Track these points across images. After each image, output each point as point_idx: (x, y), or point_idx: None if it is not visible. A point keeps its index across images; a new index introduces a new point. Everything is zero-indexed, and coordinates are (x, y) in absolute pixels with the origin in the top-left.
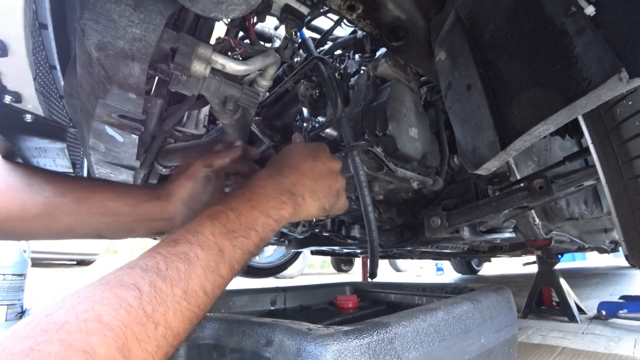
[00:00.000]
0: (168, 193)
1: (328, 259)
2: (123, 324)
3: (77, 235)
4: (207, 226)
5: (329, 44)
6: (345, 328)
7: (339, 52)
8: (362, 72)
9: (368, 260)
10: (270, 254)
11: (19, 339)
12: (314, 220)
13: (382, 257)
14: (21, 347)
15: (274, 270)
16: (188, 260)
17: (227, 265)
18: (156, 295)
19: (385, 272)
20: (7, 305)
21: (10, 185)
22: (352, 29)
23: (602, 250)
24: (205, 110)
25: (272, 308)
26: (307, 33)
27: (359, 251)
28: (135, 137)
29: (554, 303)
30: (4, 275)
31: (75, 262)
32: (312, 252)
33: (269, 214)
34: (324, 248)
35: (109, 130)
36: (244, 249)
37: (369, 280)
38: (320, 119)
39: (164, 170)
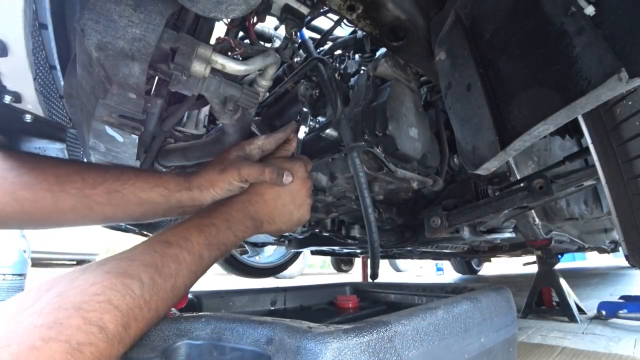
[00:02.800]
0: (200, 186)
1: (328, 259)
2: (128, 306)
3: (113, 221)
4: (194, 235)
5: (329, 44)
6: (345, 326)
7: (339, 52)
8: (362, 72)
9: (369, 261)
10: (270, 254)
11: (35, 314)
12: (312, 222)
13: (382, 257)
14: (44, 320)
15: (274, 270)
16: (178, 262)
17: (202, 269)
18: (153, 287)
19: (386, 272)
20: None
21: (40, 179)
22: (352, 29)
23: (602, 250)
24: (205, 110)
25: (272, 308)
26: (307, 33)
27: (359, 251)
28: (135, 137)
29: (554, 303)
30: (4, 275)
31: (75, 262)
32: (312, 252)
33: (236, 234)
34: (324, 248)
35: (109, 130)
36: (215, 258)
37: (370, 280)
38: (321, 119)
39: (164, 170)
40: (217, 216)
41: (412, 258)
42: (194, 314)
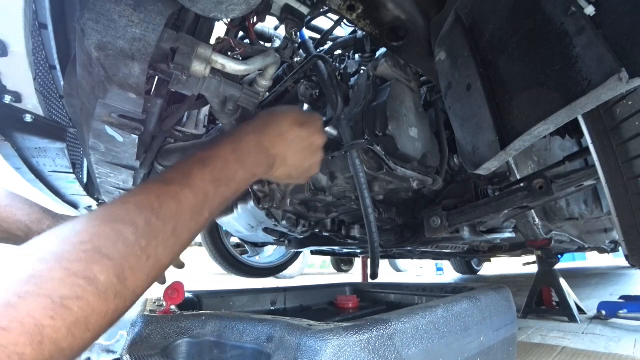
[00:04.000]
0: None
1: (328, 259)
2: (121, 255)
3: None
4: (197, 170)
5: (329, 44)
6: (346, 324)
7: (339, 52)
8: (362, 72)
9: (369, 261)
10: (270, 254)
11: (14, 268)
12: (312, 222)
13: (382, 257)
14: (20, 274)
15: (274, 270)
16: (179, 201)
17: (209, 209)
18: (150, 231)
19: (386, 272)
20: None
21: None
22: (352, 29)
23: (602, 250)
24: (205, 110)
25: (272, 308)
26: (307, 33)
27: (359, 251)
28: (135, 137)
29: (554, 303)
30: None
31: None
32: (312, 252)
33: (247, 169)
34: (324, 248)
35: (109, 130)
36: (223, 196)
37: (370, 280)
38: None
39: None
40: (225, 147)
41: (412, 258)
42: (195, 312)
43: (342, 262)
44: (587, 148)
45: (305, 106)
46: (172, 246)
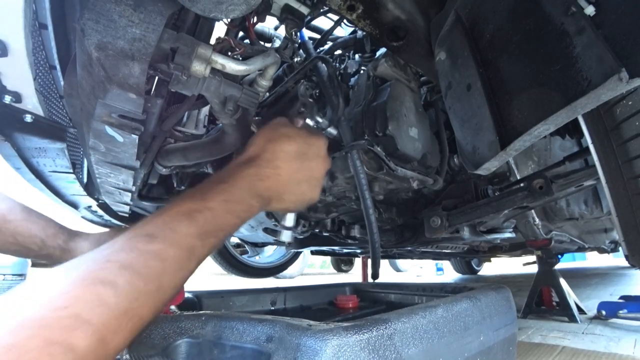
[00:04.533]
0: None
1: (328, 259)
2: (102, 320)
3: None
4: (183, 224)
5: (329, 44)
6: (345, 324)
7: (339, 52)
8: (362, 72)
9: (370, 262)
10: (270, 254)
11: None
12: (312, 222)
13: (382, 257)
14: (1, 343)
15: (274, 270)
16: (163, 259)
17: (195, 262)
18: (133, 292)
19: (386, 272)
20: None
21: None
22: (352, 29)
23: (602, 250)
24: (205, 110)
25: (272, 308)
26: (307, 33)
27: (359, 251)
28: (135, 137)
29: (554, 303)
30: (4, 275)
31: None
32: (312, 252)
33: (239, 216)
34: (324, 248)
35: (109, 130)
36: (212, 247)
37: (371, 280)
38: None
39: (164, 170)
40: (215, 197)
41: (412, 258)
42: (195, 312)
43: (342, 262)
44: (587, 148)
45: (301, 122)
46: (155, 304)
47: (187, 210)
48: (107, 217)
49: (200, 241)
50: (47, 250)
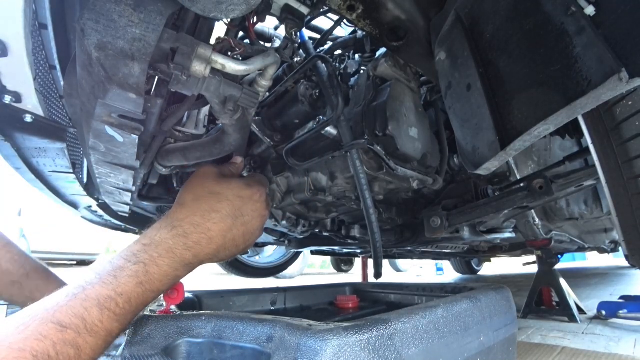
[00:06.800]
0: None
1: (328, 259)
2: None
3: None
4: (95, 314)
5: (329, 44)
6: (346, 324)
7: (339, 52)
8: (362, 72)
9: (372, 262)
10: (270, 254)
11: None
12: (312, 222)
13: (383, 257)
14: None
15: (274, 270)
16: (77, 347)
17: (113, 339)
18: None
19: (386, 272)
20: (7, 304)
21: None
22: (352, 29)
23: (602, 250)
24: (205, 110)
25: (272, 308)
26: (307, 33)
27: (359, 251)
28: (135, 137)
29: (554, 303)
30: None
31: (75, 262)
32: (312, 252)
33: (160, 289)
34: (324, 248)
35: (109, 130)
36: (128, 322)
37: (374, 280)
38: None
39: (164, 170)
40: (128, 281)
41: (412, 258)
42: (195, 312)
43: (342, 262)
44: (587, 148)
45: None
46: None
47: (96, 298)
48: (107, 217)
49: (118, 323)
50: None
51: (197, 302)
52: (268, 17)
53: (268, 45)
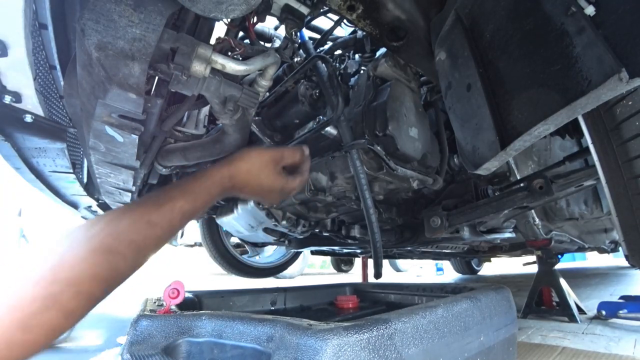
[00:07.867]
0: None
1: (328, 259)
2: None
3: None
4: (178, 205)
5: (329, 44)
6: (346, 324)
7: (339, 52)
8: (362, 72)
9: (372, 262)
10: (270, 254)
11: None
12: (312, 222)
13: (383, 257)
14: (37, 293)
15: (274, 270)
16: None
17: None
18: (135, 263)
19: (386, 272)
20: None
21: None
22: (352, 29)
23: (602, 250)
24: (205, 110)
25: (273, 308)
26: (307, 33)
27: (359, 251)
28: (135, 137)
29: (554, 303)
30: None
31: None
32: (312, 252)
33: (206, 204)
34: (324, 248)
35: (109, 130)
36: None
37: (375, 280)
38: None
39: (164, 170)
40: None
41: (412, 258)
42: (195, 312)
43: (342, 262)
44: (587, 148)
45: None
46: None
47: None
48: None
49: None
50: None
51: (197, 302)
52: (268, 17)
53: (268, 45)
